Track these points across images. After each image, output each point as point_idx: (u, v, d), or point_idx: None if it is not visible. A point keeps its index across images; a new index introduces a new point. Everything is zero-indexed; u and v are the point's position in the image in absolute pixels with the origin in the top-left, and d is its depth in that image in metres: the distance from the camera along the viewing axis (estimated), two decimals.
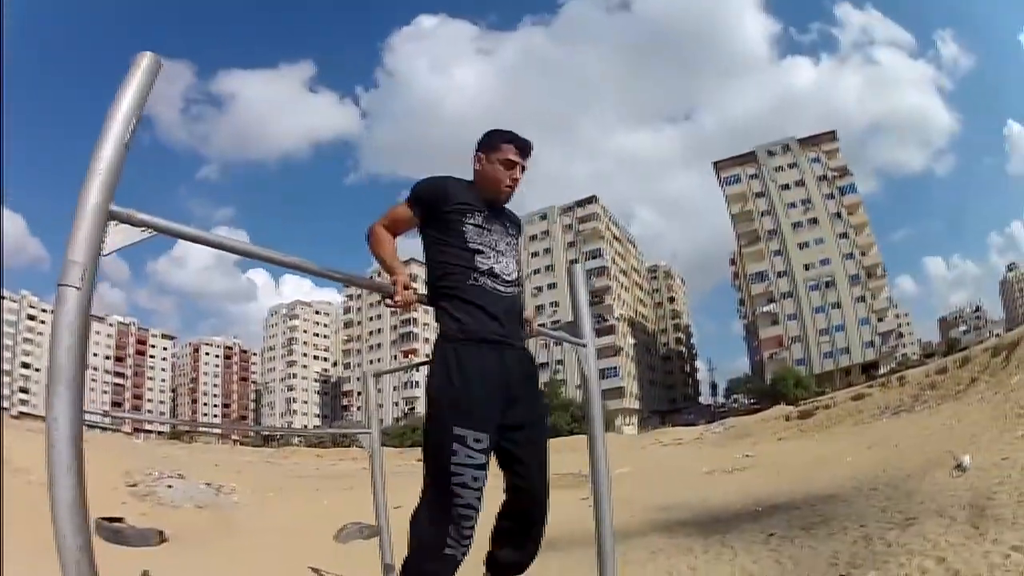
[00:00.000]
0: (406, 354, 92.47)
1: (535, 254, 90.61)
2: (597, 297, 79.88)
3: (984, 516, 5.81)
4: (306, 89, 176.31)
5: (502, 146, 2.47)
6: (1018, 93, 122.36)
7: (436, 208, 2.43)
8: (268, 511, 13.14)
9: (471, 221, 2.41)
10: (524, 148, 2.48)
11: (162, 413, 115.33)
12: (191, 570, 7.26)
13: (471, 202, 2.45)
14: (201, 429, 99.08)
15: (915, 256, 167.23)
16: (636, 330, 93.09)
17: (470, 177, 2.56)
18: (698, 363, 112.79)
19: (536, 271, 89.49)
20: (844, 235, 77.89)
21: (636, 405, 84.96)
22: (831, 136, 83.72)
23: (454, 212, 2.41)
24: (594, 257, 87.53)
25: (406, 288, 2.26)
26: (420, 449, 2.60)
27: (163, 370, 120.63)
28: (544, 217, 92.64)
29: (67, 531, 1.47)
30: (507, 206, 2.64)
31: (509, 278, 2.45)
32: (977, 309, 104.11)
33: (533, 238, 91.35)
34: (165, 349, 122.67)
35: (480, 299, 2.34)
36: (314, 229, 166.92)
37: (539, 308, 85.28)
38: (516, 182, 2.51)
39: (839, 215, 78.83)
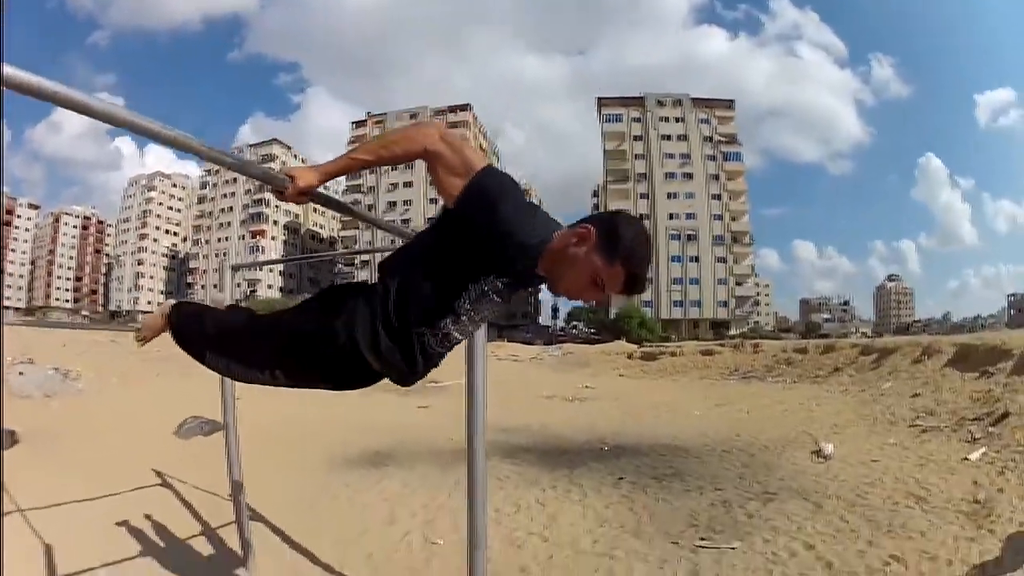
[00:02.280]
0: (254, 234, 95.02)
1: None
2: None
3: (855, 513, 6.07)
4: None
5: (620, 270, 1.81)
6: (952, 139, 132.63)
7: (478, 227, 1.77)
8: (111, 400, 13.04)
9: (486, 285, 1.84)
10: (632, 289, 1.87)
11: (20, 288, 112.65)
12: (42, 480, 6.74)
13: (511, 262, 1.83)
14: (52, 306, 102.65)
15: (786, 236, 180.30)
16: None
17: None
18: None
19: (395, 167, 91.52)
20: (717, 197, 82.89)
21: None
22: (728, 104, 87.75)
23: (483, 259, 1.80)
24: None
25: (300, 195, 1.88)
26: None
27: (25, 241, 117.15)
28: (414, 116, 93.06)
29: None
30: None
31: (457, 340, 1.97)
32: (846, 303, 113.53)
33: None
34: (30, 220, 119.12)
35: (413, 347, 1.87)
36: (189, 102, 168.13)
37: (392, 204, 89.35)
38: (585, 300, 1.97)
39: (716, 177, 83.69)
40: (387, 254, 2.00)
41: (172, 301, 2.52)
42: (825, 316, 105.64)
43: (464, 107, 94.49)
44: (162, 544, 5.33)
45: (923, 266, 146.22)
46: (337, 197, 2.01)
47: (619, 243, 1.78)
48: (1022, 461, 7.04)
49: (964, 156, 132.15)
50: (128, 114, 1.52)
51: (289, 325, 2.00)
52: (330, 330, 1.85)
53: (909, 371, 15.87)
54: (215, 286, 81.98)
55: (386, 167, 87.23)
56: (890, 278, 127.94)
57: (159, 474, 7.30)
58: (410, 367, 1.88)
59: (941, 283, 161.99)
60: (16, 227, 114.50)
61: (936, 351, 16.02)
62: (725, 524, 6.07)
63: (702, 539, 5.64)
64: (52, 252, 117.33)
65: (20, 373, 13.21)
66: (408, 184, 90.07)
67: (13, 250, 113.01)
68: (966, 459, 7.71)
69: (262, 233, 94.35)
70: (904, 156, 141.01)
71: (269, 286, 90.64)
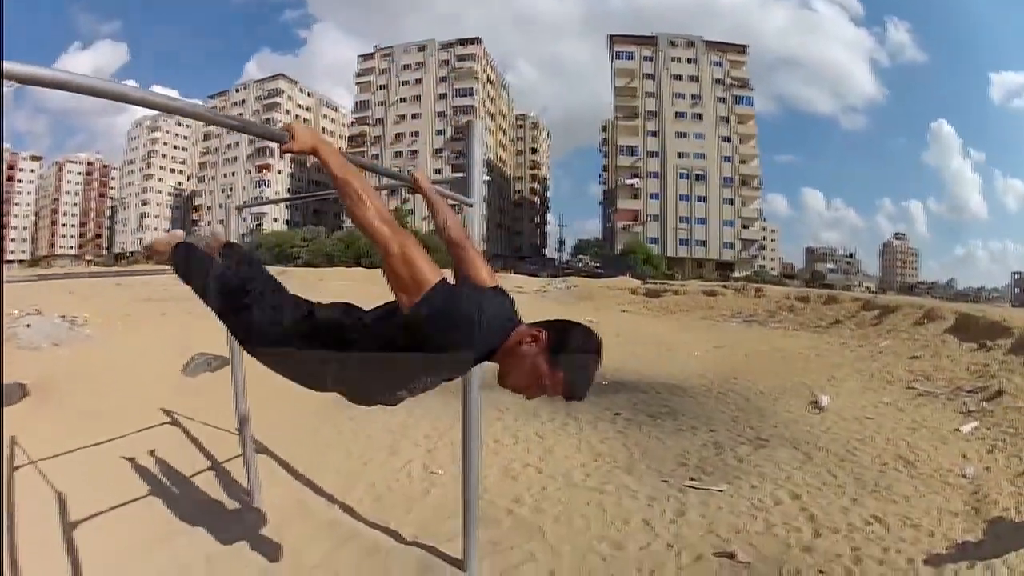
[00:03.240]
0: (260, 168, 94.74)
1: (405, 83, 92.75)
2: (459, 134, 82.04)
3: (843, 468, 6.20)
4: None
5: (561, 377, 1.89)
6: (965, 111, 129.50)
7: (427, 348, 1.84)
8: (118, 343, 13.12)
9: (438, 379, 2.00)
10: (572, 397, 1.95)
11: (24, 240, 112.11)
12: (52, 429, 6.84)
13: (458, 371, 2.06)
14: (57, 254, 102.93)
15: (795, 183, 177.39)
16: (492, 172, 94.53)
17: None
18: (549, 216, 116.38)
19: (402, 99, 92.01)
20: (727, 139, 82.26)
21: (481, 246, 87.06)
22: (741, 49, 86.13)
23: (434, 368, 1.94)
24: (464, 96, 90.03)
25: (298, 152, 1.97)
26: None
27: (29, 194, 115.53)
28: (422, 49, 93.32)
29: None
30: None
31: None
32: (851, 255, 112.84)
33: (406, 67, 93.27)
34: (32, 172, 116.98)
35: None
36: (193, 41, 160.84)
37: (399, 136, 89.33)
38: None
39: (727, 119, 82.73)
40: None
41: (180, 239, 2.69)
42: (830, 267, 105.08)
43: (473, 40, 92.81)
44: (171, 482, 5.53)
45: (930, 229, 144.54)
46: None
47: (565, 352, 1.88)
48: (1012, 443, 7.06)
49: (976, 129, 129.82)
50: (132, 90, 1.66)
51: (265, 316, 2.17)
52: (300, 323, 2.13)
53: (909, 332, 15.81)
54: (220, 222, 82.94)
55: (393, 102, 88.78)
56: (896, 236, 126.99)
57: (168, 413, 7.50)
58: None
59: (947, 249, 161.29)
60: (19, 180, 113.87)
61: (938, 316, 15.95)
62: (715, 466, 6.25)
63: (691, 479, 5.82)
64: (56, 201, 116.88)
65: (27, 325, 13.31)
66: (416, 116, 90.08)
67: (17, 204, 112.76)
68: (957, 430, 7.71)
69: (268, 168, 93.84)
70: (916, 119, 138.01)
71: (275, 219, 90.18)
